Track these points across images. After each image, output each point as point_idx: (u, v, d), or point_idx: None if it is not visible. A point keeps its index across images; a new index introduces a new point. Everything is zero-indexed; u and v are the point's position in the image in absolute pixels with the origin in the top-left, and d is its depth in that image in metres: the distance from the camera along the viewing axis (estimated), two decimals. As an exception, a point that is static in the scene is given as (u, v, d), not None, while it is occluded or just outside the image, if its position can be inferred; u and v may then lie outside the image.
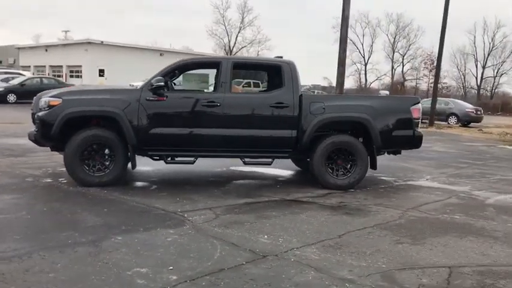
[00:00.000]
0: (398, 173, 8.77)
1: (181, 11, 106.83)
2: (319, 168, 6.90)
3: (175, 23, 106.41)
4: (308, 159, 7.15)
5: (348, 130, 7.32)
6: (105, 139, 6.52)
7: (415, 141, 7.24)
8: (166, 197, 6.03)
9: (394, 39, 76.30)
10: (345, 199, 6.37)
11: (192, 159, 6.77)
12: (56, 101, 6.49)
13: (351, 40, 70.52)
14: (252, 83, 37.53)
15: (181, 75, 8.29)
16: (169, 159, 6.81)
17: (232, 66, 6.89)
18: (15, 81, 26.07)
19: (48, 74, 45.54)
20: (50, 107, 6.48)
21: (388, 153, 7.66)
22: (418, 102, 7.32)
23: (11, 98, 24.22)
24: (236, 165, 8.33)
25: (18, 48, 53.17)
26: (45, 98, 6.62)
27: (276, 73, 7.32)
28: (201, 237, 4.42)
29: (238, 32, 68.62)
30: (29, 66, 49.52)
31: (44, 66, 49.03)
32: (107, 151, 6.63)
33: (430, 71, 68.87)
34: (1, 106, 22.12)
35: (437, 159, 11.20)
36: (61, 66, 47.35)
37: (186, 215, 5.18)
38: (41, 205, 5.40)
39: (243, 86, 34.30)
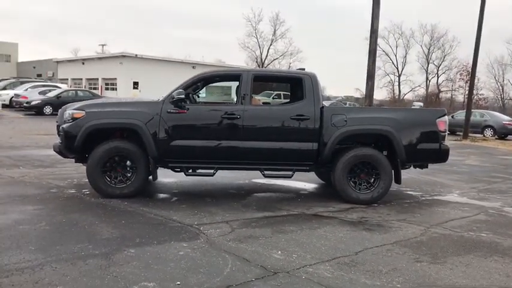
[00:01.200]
0: (426, 188, 8.50)
1: (213, 24, 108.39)
2: (341, 182, 6.76)
3: (208, 36, 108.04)
4: (330, 173, 7.02)
5: (371, 143, 7.16)
6: (126, 151, 6.59)
7: (441, 155, 7.00)
8: (185, 210, 6.03)
9: (429, 50, 74.84)
10: (367, 214, 6.20)
11: (212, 171, 6.76)
12: (80, 114, 6.62)
13: (384, 51, 69.79)
14: (282, 95, 37.53)
15: (205, 88, 8.35)
16: (190, 171, 6.82)
17: (252, 79, 6.87)
18: (52, 94, 26.95)
19: (85, 87, 46.86)
20: (74, 119, 6.61)
21: (414, 167, 7.43)
22: (444, 115, 7.09)
23: (47, 110, 25.04)
24: (258, 178, 8.26)
25: (57, 61, 54.96)
26: (69, 111, 6.77)
27: (297, 85, 7.25)
28: (214, 252, 4.37)
29: (270, 45, 68.86)
30: (67, 79, 51.10)
31: (81, 79, 50.47)
32: (128, 163, 6.70)
33: (466, 82, 66.98)
34: (38, 118, 22.90)
35: (469, 173, 10.81)
36: (97, 79, 48.63)
37: (201, 228, 5.15)
38: (61, 216, 5.48)
39: (273, 98, 34.32)
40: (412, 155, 6.86)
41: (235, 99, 7.25)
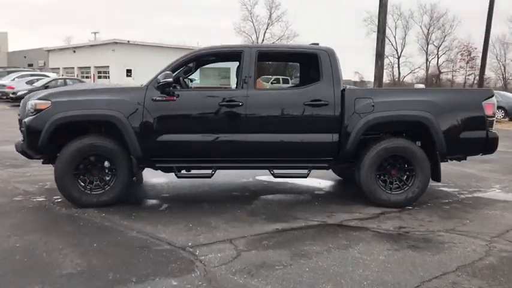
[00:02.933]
0: (460, 182, 7.26)
1: (208, 9, 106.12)
2: (368, 181, 5.52)
3: (203, 22, 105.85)
4: (354, 170, 5.77)
5: (401, 132, 5.90)
6: (103, 149, 5.33)
7: (489, 145, 5.73)
8: (177, 222, 4.79)
9: (428, 30, 73.00)
10: (405, 222, 4.97)
11: (209, 171, 5.50)
12: (44, 104, 5.34)
13: (383, 33, 68.03)
14: (281, 80, 35.77)
15: (199, 70, 7.04)
16: (182, 171, 5.57)
17: (257, 57, 5.57)
18: (39, 83, 25.49)
19: (77, 76, 45.37)
20: (37, 111, 5.33)
21: (451, 159, 6.17)
22: (492, 96, 5.81)
23: (35, 100, 23.60)
24: (264, 174, 6.99)
25: (48, 50, 53.36)
26: (32, 101, 5.49)
27: (311, 63, 5.96)
28: (214, 294, 3.14)
29: (266, 28, 67.04)
30: (58, 68, 49.58)
31: (73, 67, 48.96)
32: (106, 164, 5.45)
33: (467, 62, 65.88)
34: (23, 109, 21.51)
35: (501, 162, 9.58)
36: (89, 68, 47.13)
37: (197, 253, 3.91)
38: (16, 238, 4.23)
39: (272, 83, 32.67)
40: (454, 146, 5.60)
41: (236, 83, 5.98)
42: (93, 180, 5.41)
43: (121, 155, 5.37)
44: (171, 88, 5.43)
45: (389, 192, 5.58)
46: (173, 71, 5.57)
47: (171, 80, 5.29)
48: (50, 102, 5.33)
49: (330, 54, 5.66)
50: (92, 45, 48.88)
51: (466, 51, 64.93)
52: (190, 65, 6.41)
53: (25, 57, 59.69)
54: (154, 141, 5.37)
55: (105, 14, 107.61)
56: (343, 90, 5.56)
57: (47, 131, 5.23)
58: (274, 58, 6.66)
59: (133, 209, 5.31)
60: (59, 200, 5.59)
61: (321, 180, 7.06)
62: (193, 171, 5.65)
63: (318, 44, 6.06)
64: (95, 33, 72.36)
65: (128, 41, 44.54)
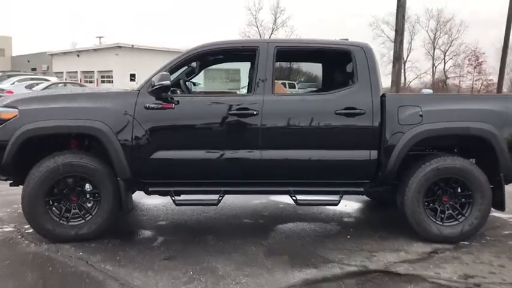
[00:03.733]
0: (512, 204, 6.10)
1: (214, 14, 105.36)
2: (415, 210, 4.39)
3: (208, 26, 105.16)
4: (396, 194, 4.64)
5: (452, 147, 4.78)
6: (83, 169, 4.24)
7: None
8: (175, 267, 3.70)
9: (435, 35, 71.52)
10: (469, 267, 3.83)
11: (215, 197, 4.40)
12: (10, 113, 4.26)
13: (388, 37, 66.73)
14: (287, 84, 34.06)
15: (203, 72, 5.94)
16: (182, 196, 4.47)
17: (275, 54, 4.47)
18: (39, 87, 24.54)
19: (80, 80, 44.55)
20: (2, 121, 4.26)
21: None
22: None
23: (33, 105, 22.63)
24: (279, 194, 5.86)
25: (51, 54, 52.68)
26: (-5, 109, 4.41)
27: (341, 63, 4.88)
28: None
29: (271, 33, 66.00)
30: (62, 72, 48.83)
31: (76, 72, 48.19)
32: (88, 187, 4.37)
33: (475, 67, 64.56)
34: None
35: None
36: (93, 72, 46.34)
37: (199, 323, 2.80)
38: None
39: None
40: (520, 166, 4.46)
41: (248, 87, 4.91)
42: (71, 208, 4.33)
43: (105, 177, 4.29)
44: (168, 93, 4.35)
45: (441, 223, 4.44)
46: (171, 72, 4.48)
47: (168, 82, 4.20)
48: (16, 110, 4.25)
49: (367, 51, 4.55)
50: (95, 50, 48.10)
51: (473, 56, 63.70)
52: (193, 65, 5.33)
53: (28, 61, 59.01)
54: (146, 159, 4.28)
55: (111, 18, 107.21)
56: (383, 96, 4.45)
57: (12, 147, 4.16)
58: (295, 57, 5.44)
59: (120, 246, 4.21)
60: (30, 230, 4.50)
61: (347, 202, 5.91)
62: (195, 197, 4.55)
63: (347, 39, 4.94)
64: (100, 37, 71.79)
65: (132, 45, 43.72)
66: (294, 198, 4.42)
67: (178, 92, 4.97)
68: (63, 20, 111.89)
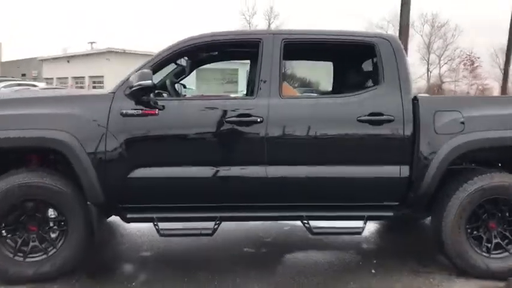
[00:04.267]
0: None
1: (206, 18, 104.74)
2: (456, 240, 3.56)
3: (201, 31, 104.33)
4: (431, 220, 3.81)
5: (493, 161, 3.97)
6: (45, 192, 3.39)
7: None
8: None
9: (430, 40, 71.22)
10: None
11: (209, 225, 3.54)
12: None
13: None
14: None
15: (195, 73, 5.09)
16: (167, 225, 3.61)
17: (282, 48, 3.64)
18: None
19: (71, 86, 43.57)
20: None
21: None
22: None
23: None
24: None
25: (42, 60, 51.73)
26: None
27: (362, 59, 4.07)
28: None
29: (266, 38, 65.37)
30: (52, 78, 47.84)
31: (67, 77, 47.19)
32: (51, 214, 3.52)
33: (470, 72, 64.24)
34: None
35: None
36: (83, 77, 45.35)
37: None
38: None
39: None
40: None
41: (249, 89, 4.10)
42: (30, 241, 3.46)
43: (73, 201, 3.44)
44: (151, 95, 3.50)
45: (487, 255, 3.62)
46: (155, 71, 3.65)
47: (149, 82, 3.35)
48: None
49: (394, 44, 3.73)
50: (86, 55, 47.09)
51: (468, 60, 63.42)
52: (183, 64, 4.50)
53: (18, 67, 57.96)
54: (124, 178, 3.43)
55: (103, 23, 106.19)
56: (415, 99, 3.62)
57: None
58: (305, 52, 4.57)
59: (90, 286, 3.34)
60: (-19, 267, 3.61)
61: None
62: (184, 225, 3.70)
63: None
64: (92, 43, 70.75)
65: (124, 50, 42.79)
66: (307, 225, 3.57)
67: (164, 95, 4.15)
68: (54, 25, 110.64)
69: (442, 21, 69.84)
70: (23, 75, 54.42)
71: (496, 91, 68.24)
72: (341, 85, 4.65)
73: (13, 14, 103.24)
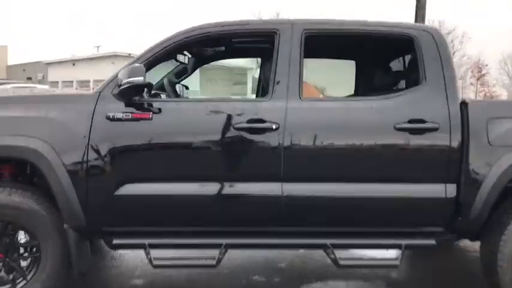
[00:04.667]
0: None
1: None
2: (516, 275, 2.91)
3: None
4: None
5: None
6: (14, 212, 2.78)
7: None
8: None
9: (437, 47, 70.61)
10: None
11: (213, 253, 2.90)
12: None
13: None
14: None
15: (198, 71, 4.48)
16: (162, 252, 2.98)
17: (303, 41, 3.01)
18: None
19: (76, 89, 43.26)
20: None
21: None
22: None
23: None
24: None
25: (47, 63, 51.57)
26: None
27: (396, 55, 3.44)
28: None
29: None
30: (57, 82, 47.60)
31: (72, 81, 46.90)
32: (22, 239, 2.91)
33: (478, 79, 63.54)
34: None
35: None
36: (89, 81, 45.02)
37: None
38: None
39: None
40: None
41: (262, 90, 3.48)
42: (-5, 270, 2.86)
43: (48, 223, 2.83)
44: (144, 95, 2.90)
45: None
46: (149, 67, 3.03)
47: (141, 79, 2.74)
48: None
49: (437, 37, 3.09)
50: (91, 58, 46.83)
51: (476, 67, 62.79)
52: (185, 61, 3.88)
53: (24, 70, 57.87)
54: (109, 196, 2.82)
55: (109, 27, 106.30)
56: (464, 103, 2.98)
57: None
58: (328, 48, 3.91)
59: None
60: None
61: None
62: (182, 253, 3.07)
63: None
64: (98, 46, 70.64)
65: (129, 54, 42.17)
66: (332, 256, 2.93)
67: (164, 96, 3.55)
68: (61, 29, 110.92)
69: (449, 28, 69.26)
70: (29, 78, 54.25)
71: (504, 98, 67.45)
72: (367, 86, 4.01)
73: (19, 17, 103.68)
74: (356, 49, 3.94)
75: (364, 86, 4.09)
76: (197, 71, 4.39)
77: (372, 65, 3.98)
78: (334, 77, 4.91)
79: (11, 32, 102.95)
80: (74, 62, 47.77)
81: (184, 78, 4.17)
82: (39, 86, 28.70)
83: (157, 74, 3.87)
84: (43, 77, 53.18)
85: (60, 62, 50.39)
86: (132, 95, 2.84)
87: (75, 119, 2.82)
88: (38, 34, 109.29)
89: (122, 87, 2.78)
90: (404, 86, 3.41)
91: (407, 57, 3.37)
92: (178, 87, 4.11)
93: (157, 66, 3.25)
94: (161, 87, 3.81)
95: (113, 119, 2.82)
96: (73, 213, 2.79)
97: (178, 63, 3.94)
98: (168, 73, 4.02)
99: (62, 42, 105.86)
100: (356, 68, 4.30)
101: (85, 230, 2.86)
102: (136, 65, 2.79)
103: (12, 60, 63.93)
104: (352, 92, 4.29)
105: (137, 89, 2.80)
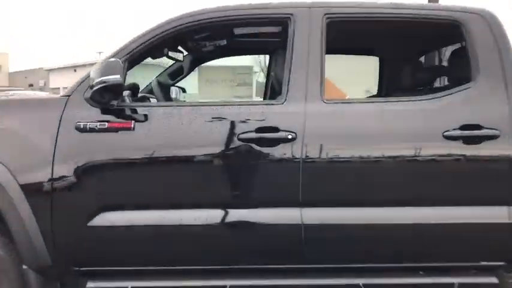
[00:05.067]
0: None
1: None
2: None
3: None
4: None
5: None
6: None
7: None
8: None
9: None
10: None
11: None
12: None
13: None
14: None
15: (197, 71, 3.84)
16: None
17: (325, 29, 2.39)
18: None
19: (49, 93, 43.03)
20: None
21: None
22: None
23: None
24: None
25: (48, 70, 51.44)
26: None
27: (438, 45, 2.81)
28: None
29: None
30: (58, 88, 47.33)
31: (73, 87, 46.75)
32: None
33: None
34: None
35: None
36: (90, 88, 44.85)
37: None
38: None
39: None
40: None
41: (273, 90, 2.86)
42: None
43: (3, 262, 2.21)
44: (126, 98, 2.30)
45: None
46: (131, 63, 2.42)
47: (118, 78, 2.13)
48: None
49: (492, 22, 2.47)
50: (92, 64, 46.36)
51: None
52: (179, 57, 3.25)
53: (26, 77, 57.78)
54: (81, 227, 2.21)
55: (112, 34, 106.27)
56: (528, 102, 2.35)
57: None
58: (353, 38, 3.25)
59: None
60: None
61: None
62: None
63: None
64: (100, 53, 70.48)
65: (130, 58, 42.19)
66: (366, 300, 2.30)
67: (153, 99, 2.95)
68: (61, 29, 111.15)
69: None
70: (30, 85, 54.05)
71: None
72: (395, 85, 3.37)
73: (19, 17, 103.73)
74: (386, 39, 3.25)
75: (393, 84, 3.43)
76: (195, 71, 3.76)
77: (403, 58, 3.30)
78: (351, 72, 4.24)
79: (11, 32, 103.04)
80: (75, 68, 47.47)
81: (180, 79, 3.56)
82: (38, 93, 28.30)
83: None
84: (44, 84, 53.01)
85: (61, 69, 50.21)
86: (109, 99, 2.23)
87: (36, 130, 2.22)
88: (38, 34, 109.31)
89: (94, 89, 2.18)
90: (446, 83, 2.79)
91: (452, 48, 2.75)
92: (174, 90, 3.47)
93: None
94: (152, 90, 3.22)
95: (84, 130, 2.22)
96: (34, 250, 2.18)
97: (174, 62, 3.34)
98: (161, 74, 3.43)
99: (62, 43, 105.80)
100: (382, 62, 3.66)
101: (50, 271, 2.25)
102: (112, 59, 2.18)
103: (13, 66, 63.90)
104: (371, 91, 3.67)
105: (115, 90, 2.19)
